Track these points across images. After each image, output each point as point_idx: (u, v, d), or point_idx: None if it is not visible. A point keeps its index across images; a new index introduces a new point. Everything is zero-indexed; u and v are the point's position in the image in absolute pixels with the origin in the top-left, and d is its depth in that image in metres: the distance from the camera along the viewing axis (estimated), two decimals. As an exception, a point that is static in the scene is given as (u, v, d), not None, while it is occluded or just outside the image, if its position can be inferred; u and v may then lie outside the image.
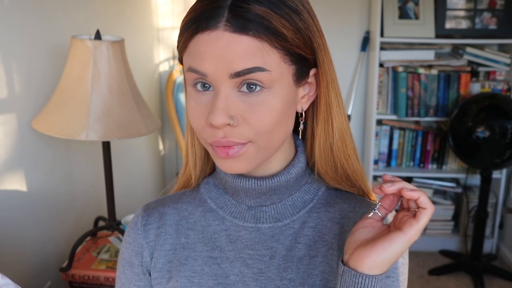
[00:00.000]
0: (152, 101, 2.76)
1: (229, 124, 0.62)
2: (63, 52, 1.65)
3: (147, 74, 2.76)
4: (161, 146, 3.04)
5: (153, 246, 0.75)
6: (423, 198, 0.60)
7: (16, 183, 1.58)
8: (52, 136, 1.52)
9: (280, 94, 0.63)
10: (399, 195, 0.64)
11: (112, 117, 1.49)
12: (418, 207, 0.60)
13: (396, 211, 0.67)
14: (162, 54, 2.96)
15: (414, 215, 0.60)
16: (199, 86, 0.64)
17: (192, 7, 0.64)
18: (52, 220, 1.77)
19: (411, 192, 0.60)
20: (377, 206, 0.65)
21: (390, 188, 0.61)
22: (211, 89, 0.63)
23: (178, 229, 0.76)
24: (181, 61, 0.68)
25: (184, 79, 0.70)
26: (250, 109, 0.62)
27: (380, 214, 0.65)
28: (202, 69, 0.62)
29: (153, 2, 2.81)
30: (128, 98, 1.53)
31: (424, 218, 0.60)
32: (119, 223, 1.73)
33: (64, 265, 1.66)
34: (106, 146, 1.62)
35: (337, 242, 0.72)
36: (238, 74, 0.60)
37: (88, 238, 1.81)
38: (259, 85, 0.62)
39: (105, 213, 1.85)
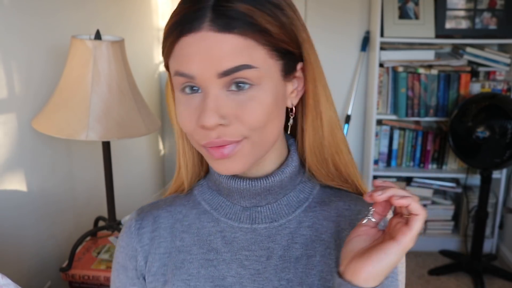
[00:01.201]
0: (152, 101, 2.76)
1: (221, 124, 0.62)
2: (63, 52, 1.65)
3: (147, 74, 2.75)
4: (161, 146, 3.04)
5: (148, 250, 0.75)
6: (413, 204, 0.58)
7: (16, 183, 1.58)
8: (52, 136, 1.52)
9: (269, 90, 0.63)
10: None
11: (112, 117, 1.49)
12: (410, 213, 0.58)
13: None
14: (162, 54, 2.96)
15: (407, 222, 0.59)
16: (187, 90, 0.63)
17: (174, 11, 0.64)
18: (52, 220, 1.77)
19: (400, 200, 0.58)
20: (371, 212, 0.64)
21: (380, 196, 0.59)
22: (199, 91, 0.63)
23: (173, 232, 0.75)
24: (167, 67, 0.67)
25: (171, 85, 0.69)
26: (241, 106, 0.62)
27: (373, 220, 0.64)
28: (190, 72, 0.61)
29: (153, 2, 2.81)
30: (128, 98, 1.53)
31: (416, 225, 0.58)
32: (119, 223, 1.73)
33: (64, 265, 1.66)
34: (106, 146, 1.62)
35: (334, 241, 0.71)
36: (226, 73, 0.60)
37: (88, 238, 1.81)
38: (248, 83, 0.62)
39: (105, 213, 1.85)
